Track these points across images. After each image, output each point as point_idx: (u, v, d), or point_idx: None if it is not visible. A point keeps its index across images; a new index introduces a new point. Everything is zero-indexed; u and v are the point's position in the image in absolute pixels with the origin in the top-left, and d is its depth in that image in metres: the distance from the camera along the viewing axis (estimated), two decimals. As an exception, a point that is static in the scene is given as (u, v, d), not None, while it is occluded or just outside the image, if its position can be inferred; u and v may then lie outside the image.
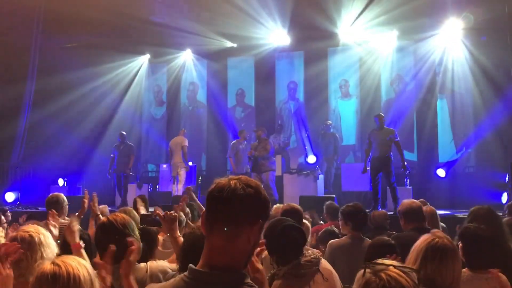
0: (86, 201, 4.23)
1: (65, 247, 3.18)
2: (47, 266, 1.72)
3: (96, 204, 4.47)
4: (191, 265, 1.40)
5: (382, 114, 8.98)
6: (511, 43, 9.61)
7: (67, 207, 4.70)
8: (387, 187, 8.68)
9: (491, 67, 10.63)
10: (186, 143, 10.71)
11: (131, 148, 10.92)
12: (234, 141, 10.59)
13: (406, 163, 8.45)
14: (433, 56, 11.92)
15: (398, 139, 8.43)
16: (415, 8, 10.55)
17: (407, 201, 4.03)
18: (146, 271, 2.59)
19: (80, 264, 1.76)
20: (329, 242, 3.95)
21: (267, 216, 1.45)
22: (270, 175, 9.63)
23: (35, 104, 12.85)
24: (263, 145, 9.65)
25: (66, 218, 4.63)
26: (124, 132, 11.09)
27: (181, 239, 2.69)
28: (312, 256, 2.59)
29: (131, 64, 14.15)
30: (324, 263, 2.68)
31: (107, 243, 2.45)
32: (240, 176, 1.46)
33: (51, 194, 4.73)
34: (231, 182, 1.40)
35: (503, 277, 2.59)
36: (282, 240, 2.58)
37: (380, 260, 1.50)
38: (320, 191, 10.25)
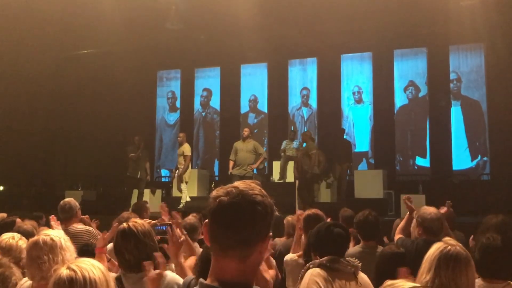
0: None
1: (84, 252, 3.25)
2: (63, 271, 1.76)
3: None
4: (201, 279, 1.37)
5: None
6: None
7: (80, 211, 4.66)
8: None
9: (506, 73, 10.53)
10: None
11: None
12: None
13: None
14: (447, 62, 11.86)
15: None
16: (428, 16, 10.51)
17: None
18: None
19: (94, 267, 1.80)
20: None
21: (272, 223, 1.38)
22: None
23: (49, 109, 13.03)
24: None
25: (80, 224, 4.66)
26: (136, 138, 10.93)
27: (185, 264, 2.68)
28: (351, 261, 2.76)
29: (145, 70, 14.26)
30: (363, 275, 2.80)
31: (126, 249, 2.50)
32: (238, 187, 1.33)
33: (63, 200, 4.65)
34: (236, 199, 1.30)
35: None
36: (327, 236, 2.82)
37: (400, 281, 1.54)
38: (333, 198, 10.25)
